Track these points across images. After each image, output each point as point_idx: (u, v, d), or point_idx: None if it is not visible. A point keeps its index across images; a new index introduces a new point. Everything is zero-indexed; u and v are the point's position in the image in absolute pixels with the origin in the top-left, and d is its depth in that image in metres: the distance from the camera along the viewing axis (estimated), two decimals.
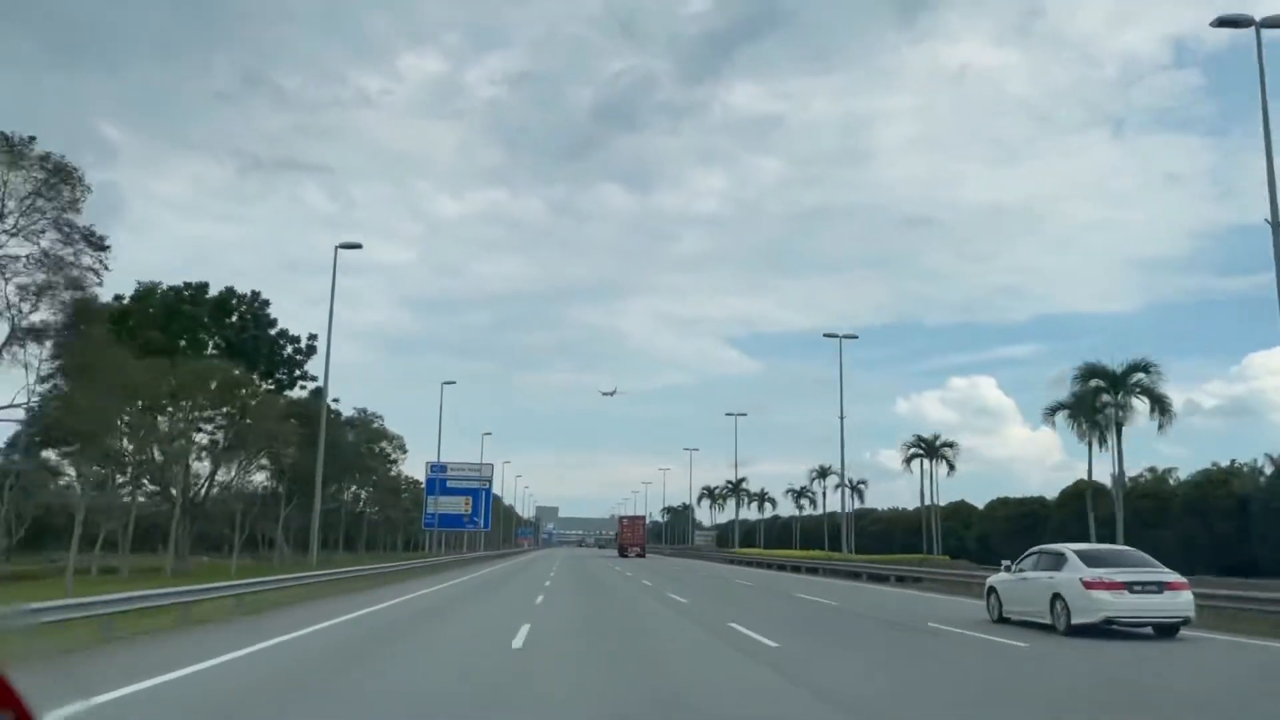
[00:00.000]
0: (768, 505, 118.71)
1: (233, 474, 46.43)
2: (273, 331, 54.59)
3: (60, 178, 29.36)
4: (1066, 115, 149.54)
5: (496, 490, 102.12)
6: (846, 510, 65.72)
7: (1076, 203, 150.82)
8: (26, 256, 29.69)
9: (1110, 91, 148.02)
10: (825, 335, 50.88)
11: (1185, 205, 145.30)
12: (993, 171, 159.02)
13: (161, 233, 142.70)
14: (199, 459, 44.19)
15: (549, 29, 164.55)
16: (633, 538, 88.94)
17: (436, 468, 67.19)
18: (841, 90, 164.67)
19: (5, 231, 28.92)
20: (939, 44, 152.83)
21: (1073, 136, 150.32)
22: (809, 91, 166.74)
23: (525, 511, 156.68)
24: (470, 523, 73.23)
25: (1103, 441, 43.10)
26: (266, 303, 54.66)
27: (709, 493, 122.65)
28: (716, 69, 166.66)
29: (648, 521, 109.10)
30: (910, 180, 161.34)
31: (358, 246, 33.66)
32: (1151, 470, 71.91)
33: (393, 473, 78.51)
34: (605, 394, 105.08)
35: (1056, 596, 14.95)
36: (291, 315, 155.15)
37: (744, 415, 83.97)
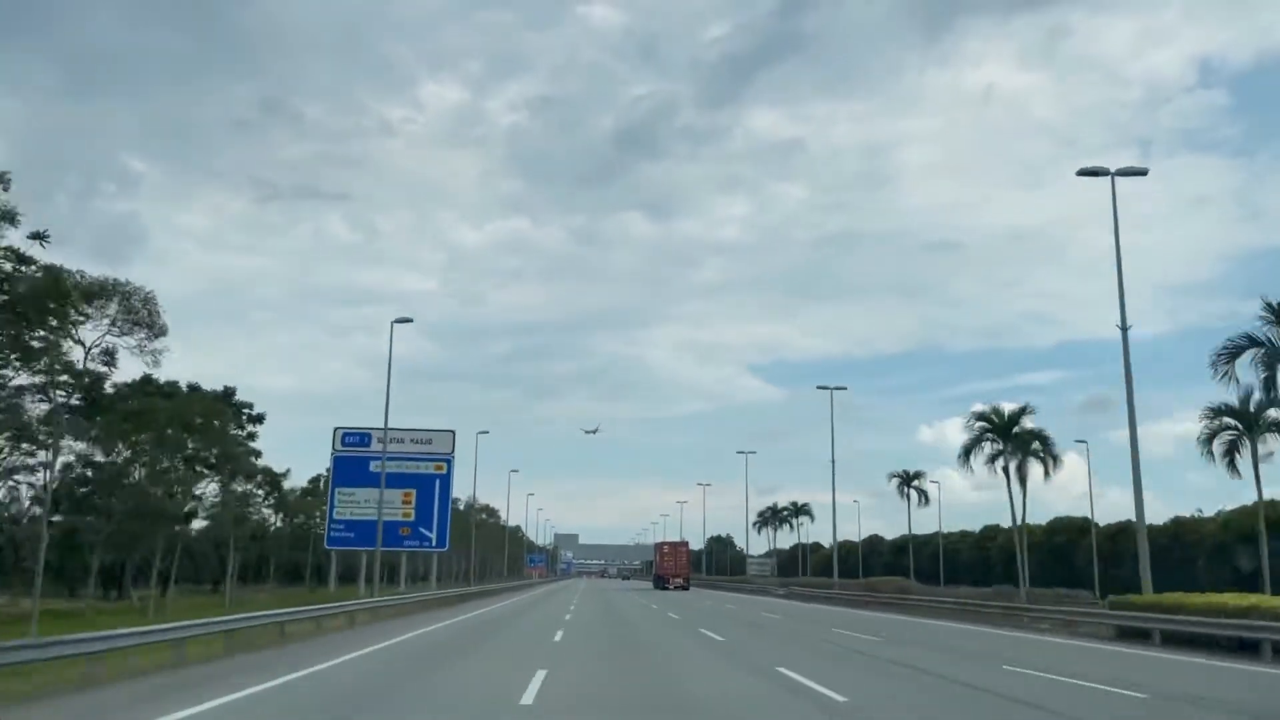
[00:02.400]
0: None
1: None
2: None
3: None
4: (1091, 138, 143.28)
5: (503, 506, 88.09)
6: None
7: (1102, 227, 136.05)
8: None
9: (1136, 113, 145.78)
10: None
11: (1213, 228, 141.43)
12: (1017, 195, 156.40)
13: (183, 263, 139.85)
14: None
15: (569, 55, 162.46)
16: (674, 567, 78.89)
17: (350, 438, 41.20)
18: (864, 114, 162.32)
19: None
20: (962, 66, 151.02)
21: (1098, 159, 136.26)
22: (831, 116, 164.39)
23: (542, 539, 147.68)
24: (414, 537, 46.81)
25: None
26: None
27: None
28: (737, 93, 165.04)
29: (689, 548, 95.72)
30: (934, 205, 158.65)
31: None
32: None
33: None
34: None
35: None
36: (312, 346, 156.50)
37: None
